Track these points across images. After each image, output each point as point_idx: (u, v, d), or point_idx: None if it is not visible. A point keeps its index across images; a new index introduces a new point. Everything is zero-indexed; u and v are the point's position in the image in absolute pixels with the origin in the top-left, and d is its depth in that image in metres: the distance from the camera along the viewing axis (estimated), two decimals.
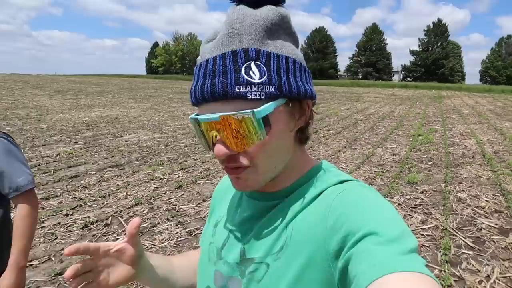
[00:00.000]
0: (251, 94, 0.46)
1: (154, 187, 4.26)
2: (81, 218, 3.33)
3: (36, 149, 6.23)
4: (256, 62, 0.47)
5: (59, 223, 3.22)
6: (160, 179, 4.63)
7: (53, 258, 2.63)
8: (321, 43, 67.13)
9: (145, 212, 3.52)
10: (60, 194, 3.99)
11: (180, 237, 2.99)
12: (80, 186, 4.30)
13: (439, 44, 61.54)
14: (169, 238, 2.97)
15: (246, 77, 0.46)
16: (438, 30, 61.59)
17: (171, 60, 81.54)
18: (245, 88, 0.46)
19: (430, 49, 62.20)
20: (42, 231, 3.05)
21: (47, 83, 31.40)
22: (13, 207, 1.36)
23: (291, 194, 0.55)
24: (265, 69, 0.47)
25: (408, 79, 65.30)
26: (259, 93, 0.46)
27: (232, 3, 0.51)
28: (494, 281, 2.38)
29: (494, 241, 2.97)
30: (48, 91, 21.51)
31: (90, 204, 3.70)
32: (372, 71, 65.17)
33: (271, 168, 0.52)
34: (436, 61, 60.28)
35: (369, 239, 0.40)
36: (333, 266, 0.44)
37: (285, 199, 0.55)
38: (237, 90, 0.45)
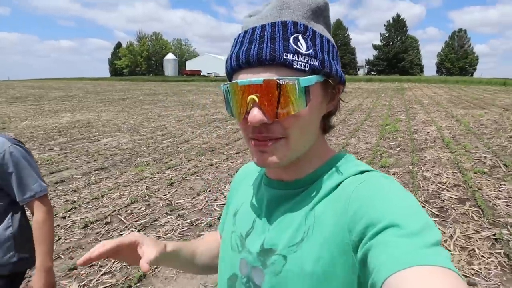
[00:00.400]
0: (297, 64, 0.46)
1: (147, 186, 4.40)
2: (80, 219, 3.43)
3: None
4: (303, 35, 0.48)
5: (58, 225, 3.31)
6: (150, 178, 4.76)
7: (62, 256, 2.75)
8: None
9: (143, 209, 3.68)
10: (51, 199, 4.02)
11: (183, 228, 3.20)
12: (69, 190, 4.34)
13: (399, 38, 64.77)
14: (172, 229, 3.17)
15: (294, 46, 0.46)
16: (397, 25, 64.73)
17: (137, 60, 79.28)
18: (293, 57, 0.46)
19: (391, 43, 65.28)
20: None
21: (1, 89, 29.48)
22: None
23: (310, 184, 0.54)
24: (311, 44, 0.48)
25: (372, 73, 68.08)
26: (305, 64, 0.47)
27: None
28: (456, 239, 2.85)
29: (454, 209, 3.48)
30: (4, 98, 20.27)
31: (85, 206, 3.78)
32: None
33: (300, 144, 0.52)
34: (397, 54, 63.46)
35: (390, 231, 0.38)
36: (354, 257, 0.44)
37: (304, 189, 0.55)
38: (285, 57, 0.46)
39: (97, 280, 2.40)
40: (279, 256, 0.51)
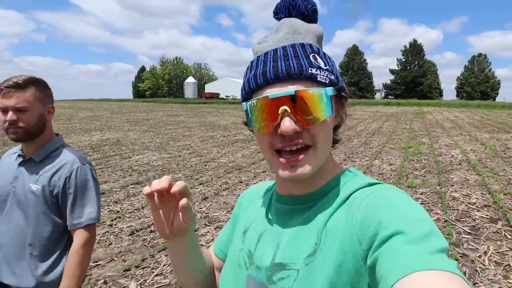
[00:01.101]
0: (320, 77, 0.52)
1: None
2: (126, 227, 3.70)
3: None
4: (318, 55, 0.54)
5: (107, 231, 3.58)
6: None
7: (115, 259, 2.99)
8: None
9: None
10: None
11: None
12: (111, 201, 4.64)
13: (416, 63, 64.74)
14: (213, 239, 3.37)
15: (315, 62, 0.52)
16: (414, 50, 64.92)
17: (158, 83, 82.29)
18: (316, 71, 0.52)
19: (409, 67, 65.26)
20: (96, 238, 3.40)
21: None
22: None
23: (321, 197, 0.56)
24: (326, 61, 0.55)
25: (390, 96, 67.80)
26: (325, 77, 0.52)
27: (283, 16, 0.59)
28: (491, 255, 2.92)
29: (486, 228, 3.54)
30: None
31: (128, 216, 4.06)
32: (355, 89, 66.60)
33: (324, 153, 0.55)
34: (414, 79, 63.25)
35: (396, 238, 0.39)
36: (364, 267, 0.44)
37: (315, 203, 0.56)
38: (310, 71, 0.51)
39: (151, 280, 2.61)
40: (293, 271, 0.51)
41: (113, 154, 8.60)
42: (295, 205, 0.58)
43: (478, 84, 62.06)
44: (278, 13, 0.59)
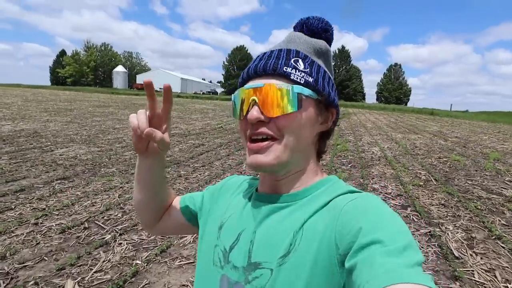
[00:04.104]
0: (294, 76, 0.55)
1: (119, 194, 4.43)
2: (55, 225, 3.40)
3: None
4: (303, 60, 0.58)
5: (32, 231, 3.25)
6: (120, 187, 4.78)
7: (46, 259, 2.75)
8: (242, 61, 70.27)
9: (120, 215, 3.74)
10: (15, 207, 3.87)
11: None
12: (33, 198, 4.20)
13: (344, 67, 70.29)
14: None
15: (293, 63, 0.56)
16: (342, 55, 70.34)
17: (82, 70, 74.78)
18: (291, 70, 0.55)
19: (337, 71, 70.51)
20: (18, 239, 3.06)
21: None
22: None
23: (301, 199, 0.57)
24: (308, 66, 0.57)
25: None
26: (300, 77, 0.55)
27: (297, 31, 0.64)
28: None
29: (399, 213, 4.13)
30: None
31: (56, 213, 3.73)
32: None
33: (292, 149, 0.56)
34: (342, 82, 68.61)
35: (374, 247, 0.39)
36: (340, 271, 0.45)
37: (294, 204, 0.56)
38: (284, 69, 0.55)
39: (90, 277, 2.48)
40: (266, 270, 0.51)
41: (31, 147, 7.68)
42: (274, 203, 0.58)
43: (394, 90, 70.07)
44: (295, 28, 0.65)
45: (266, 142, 0.55)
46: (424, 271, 0.40)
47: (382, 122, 20.12)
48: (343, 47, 71.46)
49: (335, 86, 0.64)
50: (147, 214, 0.76)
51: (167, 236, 3.28)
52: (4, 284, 2.36)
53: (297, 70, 0.56)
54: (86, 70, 75.11)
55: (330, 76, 0.62)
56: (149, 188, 0.71)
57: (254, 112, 0.54)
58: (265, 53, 0.61)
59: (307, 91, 0.56)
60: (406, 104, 68.01)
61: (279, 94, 0.53)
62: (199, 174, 5.75)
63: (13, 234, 3.15)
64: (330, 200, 0.53)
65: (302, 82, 0.56)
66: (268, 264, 0.52)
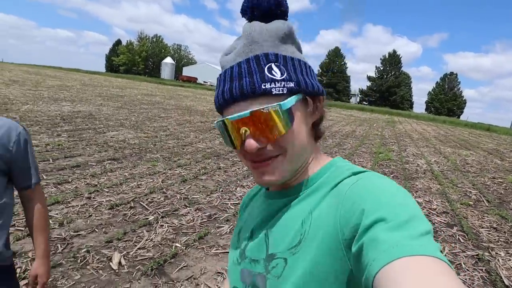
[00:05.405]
0: (275, 90, 0.52)
1: (162, 180, 4.66)
2: (105, 201, 3.67)
3: None
4: (275, 63, 0.53)
5: (86, 203, 3.54)
6: (163, 173, 5.03)
7: (97, 230, 2.99)
8: None
9: (162, 199, 3.94)
10: (72, 180, 4.24)
11: (203, 219, 3.49)
12: (87, 175, 4.56)
13: (393, 73, 67.14)
14: (193, 219, 3.45)
15: (269, 75, 0.52)
16: (393, 60, 67.21)
17: (134, 60, 79.19)
18: (270, 85, 0.51)
19: (385, 77, 67.59)
20: (74, 209, 3.36)
21: None
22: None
23: (307, 189, 0.57)
24: (284, 69, 0.53)
25: (364, 102, 70.01)
26: (282, 88, 0.52)
27: (246, 20, 0.58)
28: (445, 255, 3.26)
29: (443, 231, 3.91)
30: (1, 79, 20.09)
31: (107, 190, 4.02)
32: (333, 91, 68.82)
33: (297, 157, 0.56)
34: (389, 88, 65.70)
35: (378, 226, 0.39)
36: (347, 255, 0.45)
37: (301, 194, 0.57)
38: (263, 87, 0.51)
39: (134, 253, 2.66)
40: (280, 260, 0.53)
41: (86, 127, 8.32)
42: (282, 198, 0.60)
43: (446, 101, 65.66)
44: (243, 14, 0.59)
45: (269, 162, 0.55)
46: (433, 240, 0.38)
47: (430, 133, 18.98)
48: (394, 51, 68.28)
49: (313, 70, 0.61)
50: None
51: (205, 224, 3.41)
52: (62, 248, 2.62)
53: (276, 82, 0.52)
54: (138, 59, 79.38)
55: (305, 61, 0.59)
56: None
57: (252, 143, 0.53)
58: (232, 67, 0.55)
59: (293, 100, 0.53)
60: (459, 117, 63.45)
61: (268, 117, 0.51)
62: (238, 168, 5.86)
63: (69, 205, 3.46)
64: (335, 185, 0.53)
65: (285, 92, 0.52)
66: (281, 254, 0.54)
